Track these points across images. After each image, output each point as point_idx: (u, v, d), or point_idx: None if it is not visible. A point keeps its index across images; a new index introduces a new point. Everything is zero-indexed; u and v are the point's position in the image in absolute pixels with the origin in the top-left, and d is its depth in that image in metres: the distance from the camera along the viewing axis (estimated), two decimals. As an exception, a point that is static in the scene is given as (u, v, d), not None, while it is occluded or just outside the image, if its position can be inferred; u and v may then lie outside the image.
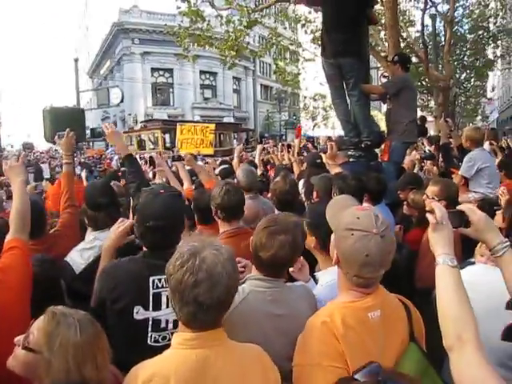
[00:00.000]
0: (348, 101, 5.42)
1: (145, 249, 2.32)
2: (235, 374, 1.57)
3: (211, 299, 1.50)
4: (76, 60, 24.98)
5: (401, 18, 16.72)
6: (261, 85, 53.86)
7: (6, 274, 2.22)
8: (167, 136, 18.97)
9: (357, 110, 5.36)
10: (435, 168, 6.66)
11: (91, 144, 32.32)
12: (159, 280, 2.15)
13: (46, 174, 11.55)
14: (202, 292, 1.49)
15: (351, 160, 5.22)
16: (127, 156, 3.45)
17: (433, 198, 3.32)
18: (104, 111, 40.59)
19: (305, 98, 52.32)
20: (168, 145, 17.70)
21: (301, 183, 4.82)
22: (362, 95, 5.29)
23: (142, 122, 30.99)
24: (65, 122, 6.27)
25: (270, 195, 4.45)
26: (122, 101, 23.02)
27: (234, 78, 47.84)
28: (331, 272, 2.27)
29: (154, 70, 43.89)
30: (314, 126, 53.59)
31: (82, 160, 21.96)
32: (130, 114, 39.47)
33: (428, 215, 1.72)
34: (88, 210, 3.25)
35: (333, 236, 1.87)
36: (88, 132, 15.81)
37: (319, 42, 16.64)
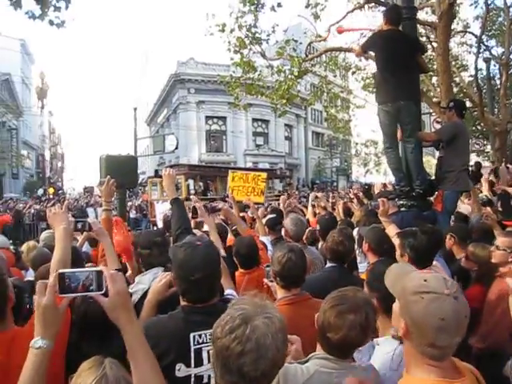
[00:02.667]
0: (400, 149, 5.30)
1: (183, 303, 2.26)
2: None
3: (255, 371, 1.38)
4: (135, 109, 26.19)
5: (453, 62, 16.50)
6: (312, 132, 54.30)
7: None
8: (191, 182, 17.95)
9: (411, 157, 5.23)
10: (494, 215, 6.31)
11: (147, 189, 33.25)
12: (199, 336, 2.11)
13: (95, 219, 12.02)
14: (248, 363, 1.37)
15: (402, 209, 5.05)
16: (175, 199, 3.53)
17: (504, 250, 3.11)
18: (160, 157, 42.02)
19: (356, 144, 52.19)
20: (192, 191, 17.05)
21: (355, 232, 4.66)
22: (417, 143, 5.18)
23: (166, 166, 31.39)
24: (119, 168, 6.49)
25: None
26: (176, 147, 23.76)
27: (285, 125, 48.52)
28: (392, 342, 2.15)
29: (208, 117, 45.28)
30: (366, 173, 53.09)
31: (137, 204, 22.66)
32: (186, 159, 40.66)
33: (509, 280, 1.56)
34: (141, 249, 3.27)
35: (396, 305, 1.71)
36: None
37: (369, 89, 16.80)
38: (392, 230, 3.76)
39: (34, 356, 1.42)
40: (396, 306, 1.71)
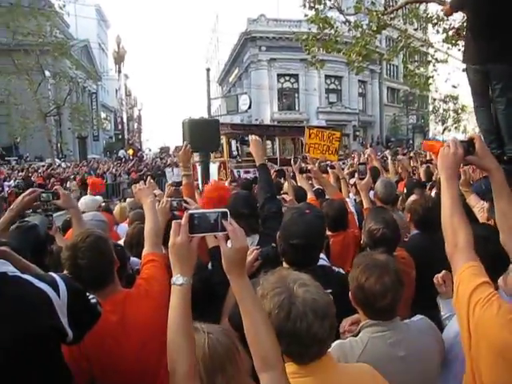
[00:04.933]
0: (492, 110, 5.00)
1: (285, 265, 2.40)
2: None
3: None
4: (208, 70, 26.29)
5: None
6: (387, 87, 52.11)
7: (150, 285, 2.40)
8: (233, 143, 16.09)
9: (502, 118, 4.92)
10: None
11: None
12: None
13: (173, 178, 12.42)
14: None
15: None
16: (261, 165, 3.60)
17: None
18: (232, 117, 42.34)
19: (434, 100, 49.47)
20: (234, 153, 15.97)
21: None
22: (509, 103, 4.85)
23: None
24: (201, 131, 6.63)
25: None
26: (249, 107, 23.69)
27: (359, 81, 46.88)
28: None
29: (279, 75, 44.73)
30: (443, 130, 50.51)
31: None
32: (256, 120, 40.70)
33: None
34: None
35: None
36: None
37: (453, 41, 15.74)
38: (473, 201, 3.61)
39: (179, 292, 1.48)
40: None
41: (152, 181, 3.35)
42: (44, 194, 3.14)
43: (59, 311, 1.57)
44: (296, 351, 1.55)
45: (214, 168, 9.91)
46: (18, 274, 1.59)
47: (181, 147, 4.12)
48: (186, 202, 3.24)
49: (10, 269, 1.58)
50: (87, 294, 1.80)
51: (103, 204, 6.87)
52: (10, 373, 1.42)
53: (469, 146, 1.96)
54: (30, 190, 3.11)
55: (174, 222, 1.52)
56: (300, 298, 1.52)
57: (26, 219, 3.45)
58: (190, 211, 1.56)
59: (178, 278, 1.48)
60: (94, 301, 1.80)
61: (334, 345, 2.03)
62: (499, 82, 4.79)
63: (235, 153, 15.53)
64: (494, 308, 1.61)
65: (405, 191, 5.06)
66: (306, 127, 12.05)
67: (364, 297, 2.04)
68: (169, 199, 3.21)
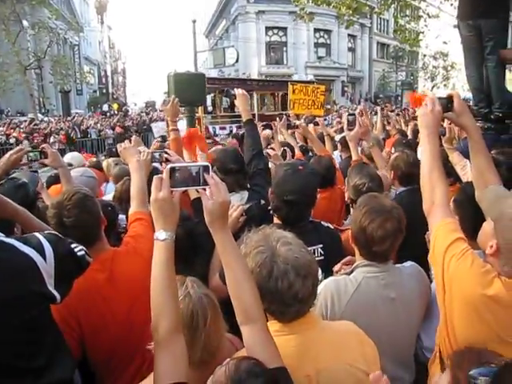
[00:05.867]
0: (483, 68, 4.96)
1: (276, 220, 2.44)
2: (332, 350, 1.59)
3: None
4: (194, 21, 25.56)
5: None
6: (377, 42, 51.32)
7: (137, 242, 2.40)
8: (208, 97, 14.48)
9: (492, 76, 4.88)
10: None
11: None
12: None
13: (160, 133, 12.21)
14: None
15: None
16: (248, 120, 3.54)
17: None
18: (219, 70, 41.58)
19: (424, 56, 48.90)
20: (209, 108, 14.70)
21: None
22: (499, 61, 4.80)
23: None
24: (187, 85, 6.49)
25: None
26: (237, 60, 23.26)
27: (349, 35, 46.05)
28: None
29: (268, 28, 43.78)
30: (432, 87, 50.22)
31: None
32: (243, 73, 40.00)
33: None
34: (217, 173, 3.34)
35: (489, 225, 1.77)
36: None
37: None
38: (456, 158, 3.62)
39: (162, 248, 1.45)
40: (489, 227, 1.77)
41: (137, 137, 3.30)
42: (31, 153, 3.09)
43: (45, 274, 1.56)
44: (277, 309, 1.56)
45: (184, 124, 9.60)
46: (2, 238, 1.57)
47: (168, 101, 4.02)
48: (166, 153, 3.21)
49: None
50: (74, 245, 1.78)
51: (94, 159, 6.79)
52: None
53: (447, 102, 1.99)
54: (18, 148, 3.04)
55: (155, 177, 1.48)
56: (282, 256, 1.51)
57: (13, 176, 3.39)
58: (171, 165, 1.52)
59: (160, 233, 1.46)
60: (81, 253, 1.78)
61: (328, 280, 2.09)
62: (491, 38, 4.73)
63: (210, 108, 14.76)
64: (467, 262, 1.67)
65: (393, 150, 5.04)
66: (288, 83, 11.82)
67: (364, 239, 2.06)
68: (150, 151, 3.16)
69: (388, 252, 2.08)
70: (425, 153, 1.95)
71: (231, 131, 13.31)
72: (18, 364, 1.49)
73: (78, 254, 1.77)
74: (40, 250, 1.59)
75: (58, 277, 1.60)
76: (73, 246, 1.77)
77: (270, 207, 2.53)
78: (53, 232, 1.79)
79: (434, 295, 2.15)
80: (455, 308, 1.72)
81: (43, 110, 34.99)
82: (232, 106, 14.21)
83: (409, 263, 2.28)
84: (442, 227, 1.79)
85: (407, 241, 2.15)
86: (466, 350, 1.48)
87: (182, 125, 8.93)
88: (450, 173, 3.33)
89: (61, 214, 2.13)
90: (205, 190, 1.50)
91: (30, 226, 2.19)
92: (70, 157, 5.58)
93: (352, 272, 2.13)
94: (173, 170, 1.48)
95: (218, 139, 10.46)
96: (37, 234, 1.68)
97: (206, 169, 1.50)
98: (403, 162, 3.58)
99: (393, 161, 3.69)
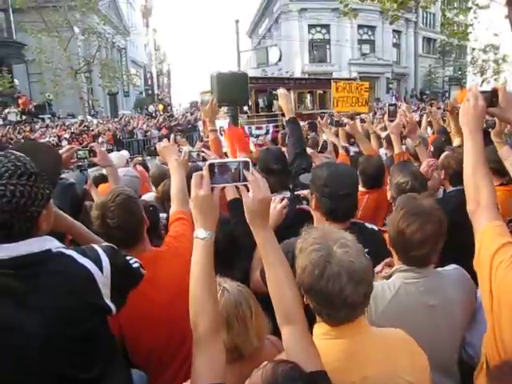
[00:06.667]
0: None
1: (319, 217, 2.39)
2: (380, 357, 1.53)
3: None
4: (237, 21, 25.69)
5: None
6: (423, 37, 49.88)
7: (180, 242, 2.40)
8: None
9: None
10: None
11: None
12: None
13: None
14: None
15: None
16: (291, 119, 3.50)
17: None
18: (262, 70, 41.64)
19: (473, 50, 47.14)
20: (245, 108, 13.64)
21: None
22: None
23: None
24: (230, 85, 6.53)
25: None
26: (280, 59, 23.28)
27: (393, 31, 45.02)
28: None
29: (310, 26, 43.45)
30: (482, 82, 48.38)
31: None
32: (287, 72, 39.90)
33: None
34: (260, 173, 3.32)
35: None
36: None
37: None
38: (505, 153, 3.43)
39: (202, 246, 1.44)
40: None
41: (179, 138, 3.32)
42: (81, 152, 3.16)
43: (102, 286, 1.57)
44: (325, 312, 1.51)
45: (222, 124, 9.51)
46: (62, 249, 1.58)
47: (207, 101, 4.04)
48: (204, 152, 3.22)
49: (54, 244, 1.56)
50: (129, 257, 1.79)
51: (140, 159, 7.05)
52: (55, 346, 1.45)
53: (492, 96, 1.87)
54: (68, 146, 3.10)
55: (194, 174, 1.46)
56: (337, 258, 1.44)
57: (63, 176, 3.47)
58: (210, 161, 1.50)
59: (200, 232, 1.45)
60: (136, 265, 1.79)
61: None
62: None
63: (245, 108, 14.16)
64: None
65: (431, 149, 4.87)
66: (331, 81, 11.64)
67: (402, 243, 1.99)
68: (187, 151, 3.16)
69: (428, 256, 1.99)
70: (467, 152, 1.84)
71: (268, 131, 13.28)
72: (72, 374, 1.50)
73: (134, 265, 1.78)
74: (97, 261, 1.60)
75: (114, 289, 1.61)
76: (128, 257, 1.79)
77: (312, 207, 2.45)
78: (109, 244, 1.80)
79: (479, 300, 2.06)
80: (504, 317, 1.61)
81: (92, 112, 36.07)
82: (270, 105, 14.12)
83: (452, 267, 2.18)
84: (488, 230, 1.68)
85: (454, 242, 2.06)
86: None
87: (225, 124, 9.00)
88: (504, 172, 3.16)
89: (105, 215, 2.17)
90: (245, 186, 1.47)
91: (83, 239, 2.21)
92: (114, 159, 5.74)
93: (390, 276, 2.06)
94: (212, 166, 1.46)
95: (254, 140, 10.38)
96: (95, 246, 1.69)
97: (245, 165, 1.47)
98: (454, 161, 3.44)
99: (443, 160, 3.55)
